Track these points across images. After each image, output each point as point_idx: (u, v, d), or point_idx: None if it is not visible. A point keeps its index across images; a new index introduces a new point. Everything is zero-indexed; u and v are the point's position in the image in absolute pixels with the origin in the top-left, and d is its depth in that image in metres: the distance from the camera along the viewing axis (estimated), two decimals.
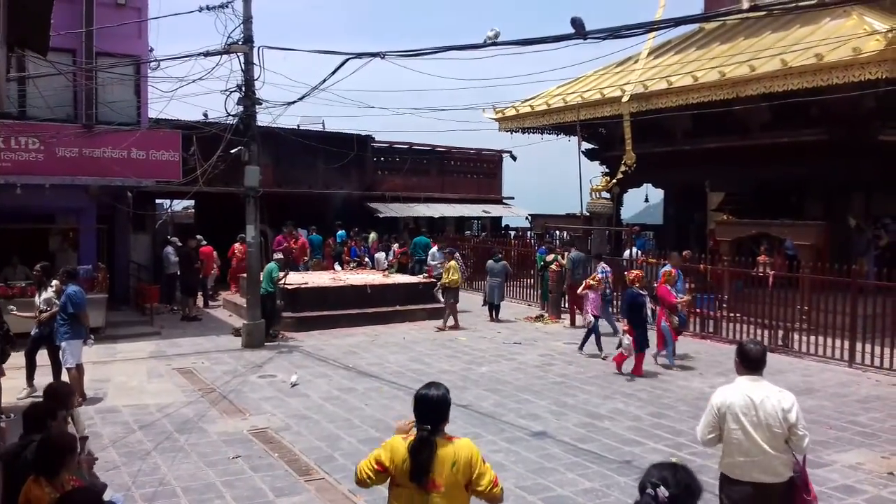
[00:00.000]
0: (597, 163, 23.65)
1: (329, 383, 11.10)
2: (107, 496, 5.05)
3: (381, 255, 22.46)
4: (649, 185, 23.94)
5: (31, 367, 10.28)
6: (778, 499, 4.60)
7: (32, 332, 10.34)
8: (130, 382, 11.15)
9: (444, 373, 11.83)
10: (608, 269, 15.28)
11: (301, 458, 7.77)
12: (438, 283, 16.76)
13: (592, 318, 13.22)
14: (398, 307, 17.13)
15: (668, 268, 13.04)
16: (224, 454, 7.87)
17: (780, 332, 13.98)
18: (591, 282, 13.70)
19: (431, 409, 3.78)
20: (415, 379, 11.37)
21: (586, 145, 23.54)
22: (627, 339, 11.55)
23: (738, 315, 14.72)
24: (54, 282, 10.32)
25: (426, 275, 20.14)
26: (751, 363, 4.75)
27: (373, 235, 24.35)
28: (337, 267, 22.08)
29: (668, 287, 12.40)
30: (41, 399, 5.25)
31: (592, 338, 13.25)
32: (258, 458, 7.74)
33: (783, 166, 17.65)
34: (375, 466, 3.76)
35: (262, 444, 8.18)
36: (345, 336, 15.04)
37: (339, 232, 24.02)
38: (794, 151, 17.19)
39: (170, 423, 9.00)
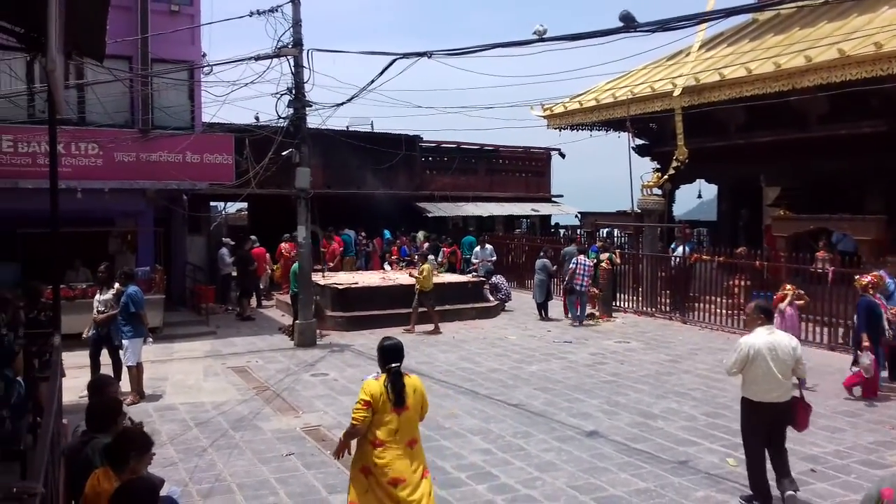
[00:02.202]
0: (647, 159, 23.27)
1: None
2: (164, 490, 5.18)
3: (430, 256, 22.50)
4: (702, 180, 23.46)
5: (95, 368, 10.55)
6: (783, 413, 6.36)
7: (90, 333, 10.59)
8: (187, 381, 11.40)
9: (493, 371, 11.81)
10: (586, 261, 16.31)
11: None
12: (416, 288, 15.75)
13: None
14: (447, 306, 17.12)
15: (881, 272, 10.90)
16: (278, 451, 7.99)
17: (841, 330, 13.57)
18: (784, 292, 11.09)
19: (395, 352, 5.12)
20: (465, 378, 11.39)
21: (637, 141, 23.18)
22: (868, 358, 9.72)
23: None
24: (116, 285, 10.58)
25: (474, 273, 20.18)
26: (770, 316, 6.63)
27: (420, 235, 24.41)
28: (386, 266, 22.22)
29: (879, 296, 10.34)
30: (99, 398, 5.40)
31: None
32: (311, 455, 7.83)
33: (842, 159, 17.12)
34: (363, 406, 4.93)
35: (315, 442, 8.27)
36: (395, 335, 15.08)
37: (385, 231, 24.18)
38: (854, 144, 16.65)
39: (225, 421, 9.18)
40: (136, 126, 15.74)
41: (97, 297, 10.65)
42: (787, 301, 10.82)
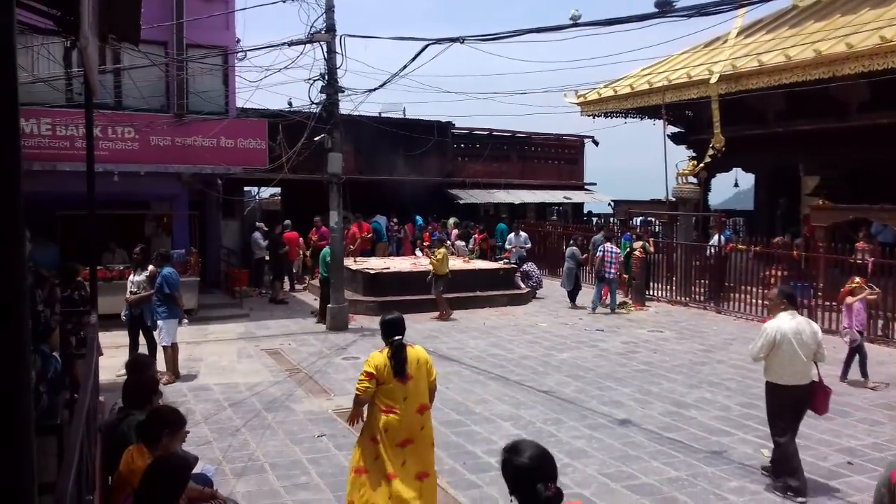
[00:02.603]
0: (683, 147, 22.98)
1: None
2: (198, 468, 5.25)
3: (460, 243, 22.47)
4: (739, 169, 23.11)
5: (133, 347, 10.72)
6: (805, 396, 6.51)
7: (123, 314, 10.76)
8: (221, 362, 11.55)
9: (524, 358, 11.78)
10: (613, 249, 16.38)
11: None
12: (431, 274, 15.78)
13: (857, 336, 10.30)
14: (479, 293, 17.14)
15: None
16: (310, 432, 8.05)
17: (881, 322, 13.29)
18: (852, 285, 10.60)
19: (397, 326, 5.42)
20: (495, 364, 11.37)
21: (672, 129, 22.89)
22: None
23: (833, 303, 14.08)
24: (150, 267, 10.72)
25: (506, 260, 20.12)
26: (793, 301, 6.77)
27: (451, 221, 24.37)
28: (418, 252, 22.24)
29: None
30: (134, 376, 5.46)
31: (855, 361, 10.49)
32: (342, 436, 7.87)
33: (883, 149, 16.69)
34: (366, 377, 5.26)
35: (346, 424, 8.30)
36: (425, 321, 15.13)
37: (417, 217, 24.19)
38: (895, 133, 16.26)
39: (258, 402, 9.28)
40: (171, 110, 15.91)
41: (131, 277, 10.79)
42: (861, 296, 10.39)
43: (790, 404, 6.52)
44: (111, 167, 14.33)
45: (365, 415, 5.47)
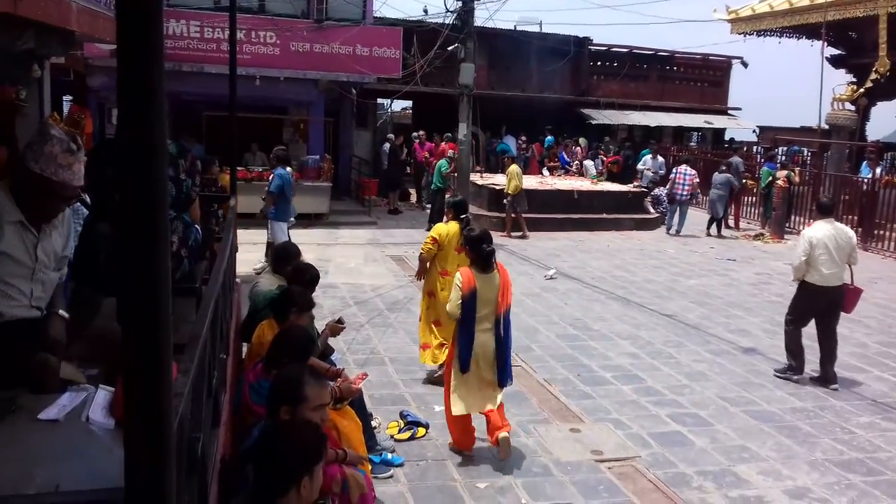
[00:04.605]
0: (842, 71, 21.13)
1: (531, 281, 11.21)
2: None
3: (589, 163, 21.94)
4: None
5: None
6: (837, 296, 7.01)
7: (262, 210, 11.25)
8: (349, 264, 12.00)
9: (648, 282, 11.52)
10: (687, 170, 16.13)
11: None
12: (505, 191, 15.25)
13: None
14: (605, 215, 16.78)
15: None
16: None
17: None
18: None
19: (465, 206, 6.79)
20: (617, 285, 11.19)
21: (831, 51, 21.06)
22: None
23: None
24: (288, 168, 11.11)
25: (636, 184, 19.50)
26: (827, 210, 7.19)
27: (582, 142, 23.78)
28: (545, 172, 21.94)
29: None
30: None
31: None
32: None
33: None
34: (430, 241, 6.57)
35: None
36: (548, 239, 15.03)
37: (548, 137, 23.74)
38: None
39: (381, 302, 9.62)
40: (311, 16, 16.11)
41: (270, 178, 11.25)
42: None
43: (819, 306, 7.06)
44: (253, 71, 14.81)
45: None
